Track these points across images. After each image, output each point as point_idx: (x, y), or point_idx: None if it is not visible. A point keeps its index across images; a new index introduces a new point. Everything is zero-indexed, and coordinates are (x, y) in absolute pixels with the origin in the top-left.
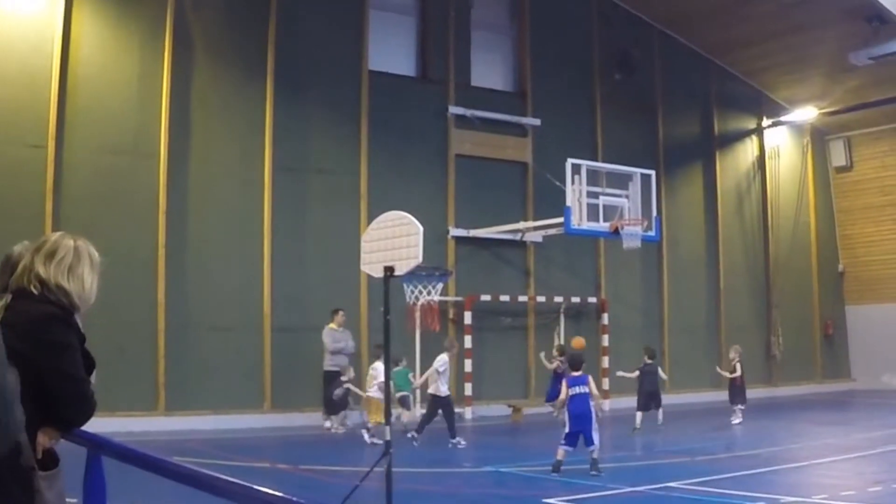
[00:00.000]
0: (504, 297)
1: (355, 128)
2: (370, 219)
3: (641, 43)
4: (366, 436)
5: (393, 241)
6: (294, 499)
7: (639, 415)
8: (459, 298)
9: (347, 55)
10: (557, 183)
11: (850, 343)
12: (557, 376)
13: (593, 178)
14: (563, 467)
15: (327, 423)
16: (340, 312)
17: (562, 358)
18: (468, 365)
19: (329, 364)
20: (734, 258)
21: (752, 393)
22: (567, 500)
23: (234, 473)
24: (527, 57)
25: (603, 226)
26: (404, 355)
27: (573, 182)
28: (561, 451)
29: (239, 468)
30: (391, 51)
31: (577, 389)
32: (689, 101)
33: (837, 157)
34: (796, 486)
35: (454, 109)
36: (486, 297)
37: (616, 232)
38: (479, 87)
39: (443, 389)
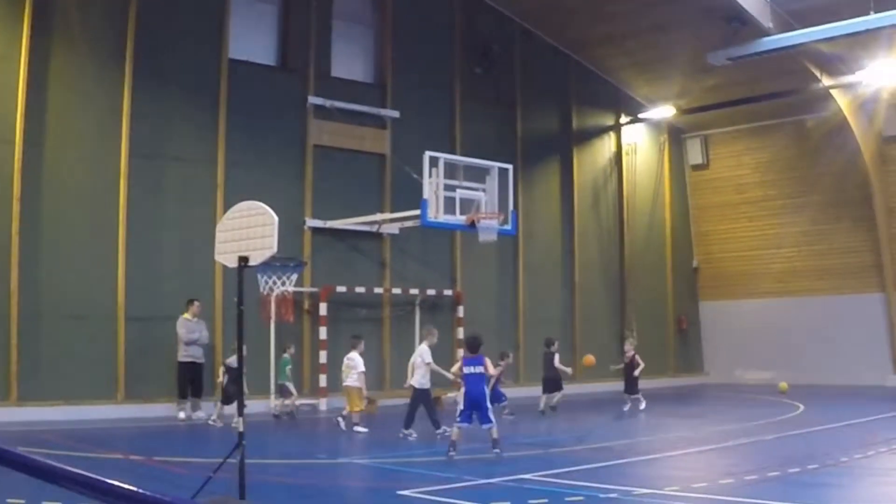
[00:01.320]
0: (360, 289)
1: (214, 116)
2: (227, 208)
3: (502, 38)
4: (341, 423)
5: (247, 230)
6: (144, 492)
7: (543, 398)
8: (315, 289)
9: (208, 42)
10: (415, 175)
11: (703, 338)
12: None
13: (451, 171)
14: (424, 457)
15: (181, 414)
16: (196, 303)
17: (502, 363)
18: (323, 356)
19: (184, 355)
20: (590, 253)
21: (606, 386)
22: (421, 492)
23: (86, 465)
24: (388, 49)
25: (459, 219)
26: (293, 343)
27: (430, 175)
28: (456, 431)
29: (92, 460)
30: (252, 39)
31: (471, 369)
32: (548, 97)
33: (694, 155)
34: (649, 477)
35: (313, 100)
36: (341, 289)
37: (472, 225)
38: (339, 77)
39: (424, 382)
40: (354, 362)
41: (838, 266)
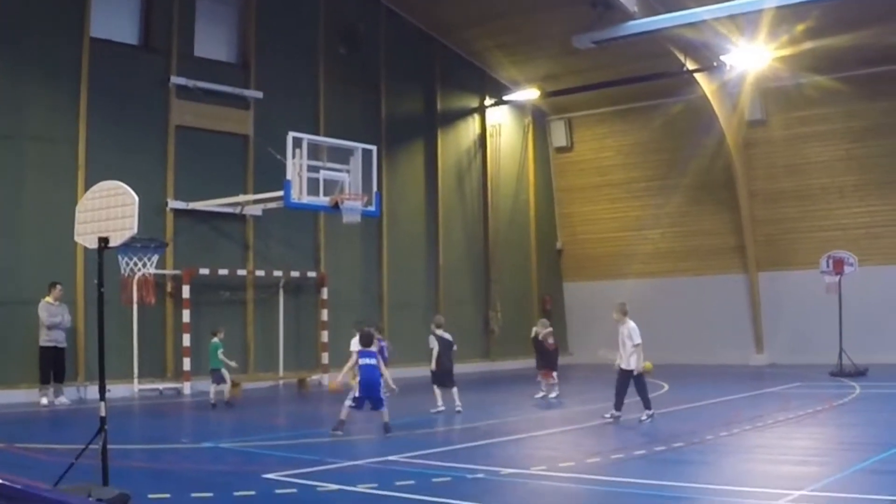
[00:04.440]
0: (223, 271)
1: (75, 95)
2: (88, 189)
3: (368, 19)
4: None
5: (108, 210)
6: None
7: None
8: (178, 272)
9: (69, 21)
10: (278, 156)
11: (567, 318)
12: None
13: (315, 152)
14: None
15: (44, 400)
16: (58, 286)
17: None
18: (186, 339)
19: (45, 339)
20: (454, 234)
21: (471, 367)
22: (286, 475)
23: None
24: (252, 28)
25: (323, 200)
26: (221, 326)
27: (294, 156)
28: (345, 411)
29: None
30: (114, 18)
31: (366, 360)
32: (413, 79)
33: (558, 137)
34: (515, 457)
35: (176, 80)
36: (204, 271)
37: (336, 206)
38: (202, 57)
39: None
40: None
41: (702, 248)
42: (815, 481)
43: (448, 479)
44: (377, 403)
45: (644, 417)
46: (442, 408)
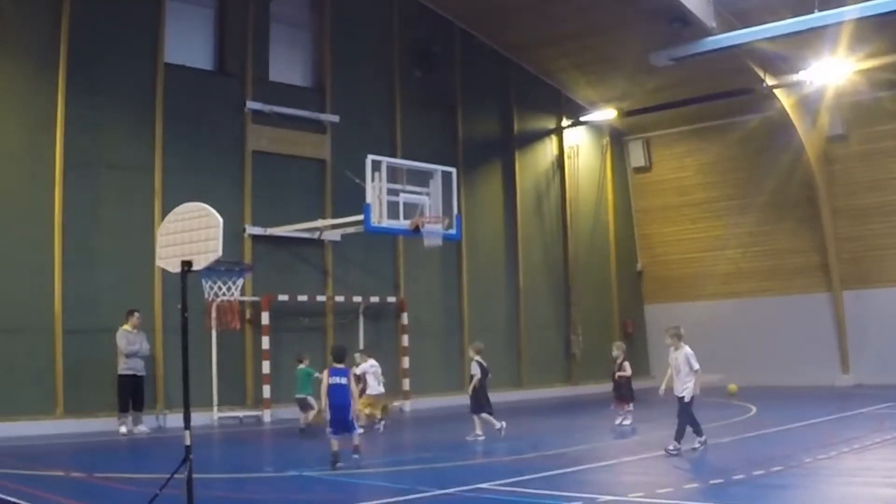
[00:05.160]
0: (302, 297)
1: (150, 122)
2: (164, 215)
3: (442, 40)
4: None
5: (191, 234)
6: None
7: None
8: (256, 298)
9: (143, 47)
10: (357, 180)
11: (649, 341)
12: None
13: (393, 175)
14: (359, 467)
15: (123, 428)
16: (136, 314)
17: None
18: (266, 367)
19: (124, 367)
20: (533, 257)
21: (552, 392)
22: None
23: (26, 483)
24: (326, 52)
25: (403, 223)
26: (306, 352)
27: (373, 179)
28: (333, 442)
29: (31, 477)
30: (188, 44)
31: (336, 380)
32: (489, 100)
33: (636, 157)
34: (610, 484)
35: (252, 104)
36: (283, 297)
37: (417, 230)
38: (277, 81)
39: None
40: (375, 368)
41: (784, 267)
42: None
43: None
44: (348, 426)
45: (696, 445)
46: (481, 435)
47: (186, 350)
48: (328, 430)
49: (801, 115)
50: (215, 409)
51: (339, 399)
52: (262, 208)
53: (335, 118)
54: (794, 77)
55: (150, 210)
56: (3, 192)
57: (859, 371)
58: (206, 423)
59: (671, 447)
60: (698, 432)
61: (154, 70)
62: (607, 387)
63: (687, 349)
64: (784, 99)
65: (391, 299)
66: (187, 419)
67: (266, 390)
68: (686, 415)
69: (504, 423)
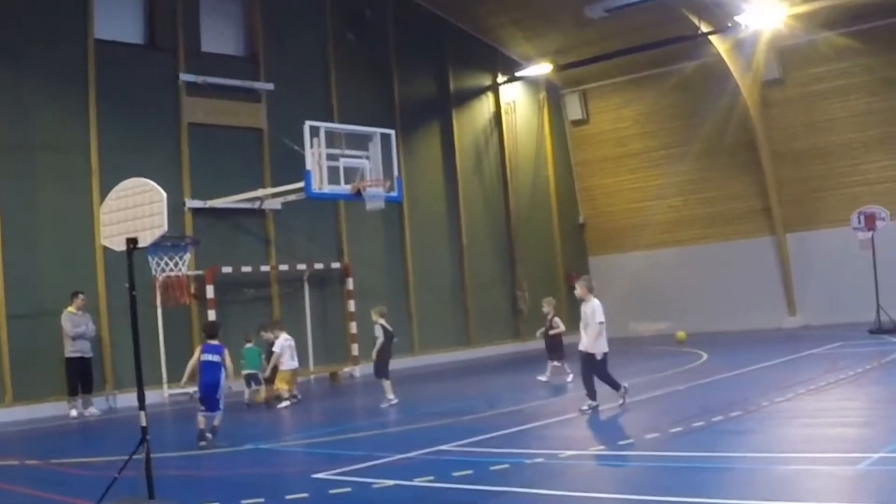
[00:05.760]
0: (246, 268)
1: (83, 100)
2: (103, 194)
3: (375, 3)
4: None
5: (134, 210)
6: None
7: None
8: (200, 272)
9: (72, 25)
10: (296, 147)
11: (594, 292)
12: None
13: (331, 140)
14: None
15: (73, 412)
16: (80, 296)
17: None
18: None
19: (71, 350)
20: (475, 215)
21: (502, 349)
22: (336, 474)
23: None
24: (257, 20)
25: (345, 188)
26: (251, 332)
27: (312, 145)
28: (200, 419)
29: None
30: (118, 19)
31: (208, 356)
32: (423, 60)
33: (573, 110)
34: (570, 439)
35: (185, 77)
36: (227, 269)
37: (358, 194)
38: (209, 52)
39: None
40: (289, 342)
41: (726, 212)
42: (889, 442)
43: (506, 465)
44: (213, 405)
45: (585, 407)
46: (395, 399)
47: (136, 329)
48: (200, 408)
49: (736, 61)
50: (165, 386)
51: (209, 376)
52: (200, 181)
53: (270, 86)
54: (729, 23)
55: (87, 190)
56: None
57: (806, 313)
58: (157, 401)
59: (584, 406)
60: (592, 396)
61: (85, 47)
62: None
63: (595, 302)
64: (719, 45)
65: (335, 265)
66: (141, 399)
67: None
68: (603, 371)
69: (395, 400)
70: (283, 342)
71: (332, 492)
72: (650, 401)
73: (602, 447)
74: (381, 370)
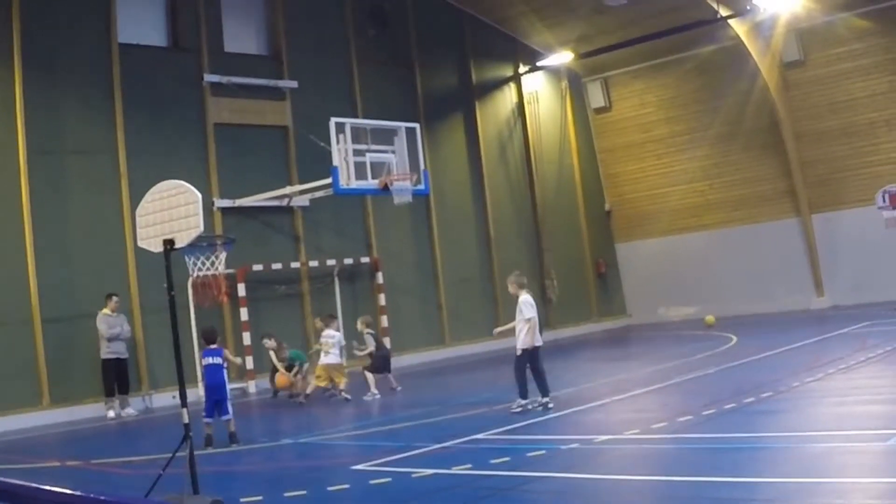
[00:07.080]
0: (276, 266)
1: (109, 104)
2: (133, 197)
3: None
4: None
5: (170, 212)
6: (98, 497)
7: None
8: (231, 271)
9: (96, 29)
10: (322, 143)
11: (623, 280)
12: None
13: (356, 136)
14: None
15: (110, 413)
16: (114, 297)
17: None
18: (246, 338)
19: (107, 352)
20: (502, 205)
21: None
22: (375, 465)
23: (23, 476)
24: (280, 18)
25: (372, 183)
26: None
27: (338, 141)
28: (206, 425)
29: (26, 470)
30: (141, 22)
31: (209, 360)
32: (445, 53)
33: (596, 98)
34: (605, 423)
35: (209, 77)
36: (258, 267)
37: (386, 188)
38: (233, 52)
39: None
40: (334, 339)
41: (751, 195)
42: None
43: (543, 451)
44: (223, 410)
45: (516, 407)
46: (377, 393)
47: (176, 328)
48: (203, 414)
49: (755, 43)
50: (200, 384)
51: (213, 379)
52: (228, 180)
53: (294, 84)
54: (748, 6)
55: (117, 192)
56: None
57: (834, 293)
58: (192, 399)
59: (514, 406)
60: (523, 395)
61: (109, 51)
62: (588, 328)
63: (523, 296)
64: (738, 28)
65: (365, 259)
66: (183, 397)
67: (249, 361)
68: (517, 370)
69: (378, 395)
70: (340, 336)
71: (372, 482)
72: (682, 384)
73: (636, 430)
74: (375, 367)
